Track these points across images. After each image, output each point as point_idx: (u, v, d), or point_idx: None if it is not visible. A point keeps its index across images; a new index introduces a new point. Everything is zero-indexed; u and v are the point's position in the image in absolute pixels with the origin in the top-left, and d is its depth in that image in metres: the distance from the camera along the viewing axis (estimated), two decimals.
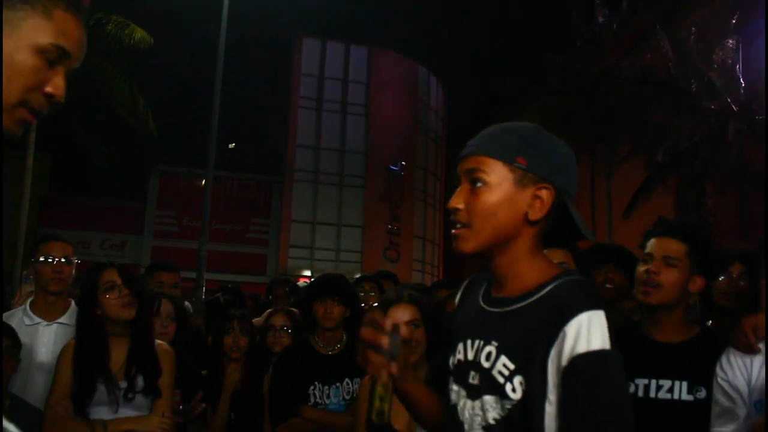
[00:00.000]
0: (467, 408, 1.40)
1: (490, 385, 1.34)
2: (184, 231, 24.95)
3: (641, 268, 2.28)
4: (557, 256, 2.77)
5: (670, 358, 2.20)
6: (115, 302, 2.72)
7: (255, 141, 29.16)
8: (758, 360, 2.02)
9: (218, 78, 13.54)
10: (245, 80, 26.76)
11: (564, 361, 1.23)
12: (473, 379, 1.39)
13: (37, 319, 3.09)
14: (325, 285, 3.39)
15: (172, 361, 2.84)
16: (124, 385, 2.68)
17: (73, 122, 15.76)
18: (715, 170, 16.42)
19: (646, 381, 2.20)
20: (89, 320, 2.75)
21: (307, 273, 25.47)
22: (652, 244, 2.29)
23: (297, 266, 26.50)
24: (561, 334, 1.24)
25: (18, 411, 2.71)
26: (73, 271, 3.20)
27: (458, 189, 1.40)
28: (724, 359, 2.09)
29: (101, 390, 2.64)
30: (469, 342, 1.43)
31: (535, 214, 1.36)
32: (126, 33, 14.54)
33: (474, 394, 1.38)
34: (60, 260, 3.12)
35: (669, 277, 2.21)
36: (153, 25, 15.00)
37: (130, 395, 2.68)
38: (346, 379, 3.21)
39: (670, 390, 2.16)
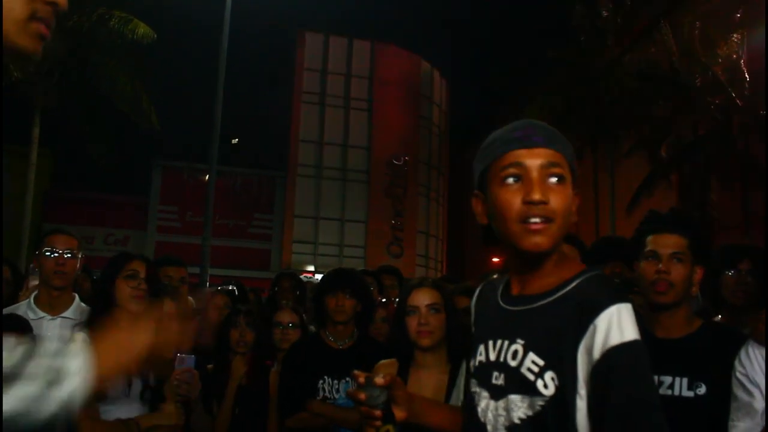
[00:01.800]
0: (490, 409, 1.39)
1: (517, 384, 1.33)
2: (187, 226, 24.98)
3: (649, 268, 2.24)
4: (563, 250, 2.77)
5: (671, 355, 2.19)
6: (129, 291, 2.72)
7: (258, 136, 29.16)
8: None
9: (221, 73, 13.52)
10: (248, 75, 26.76)
11: (597, 354, 1.23)
12: (497, 379, 1.38)
13: (41, 313, 3.06)
14: (337, 278, 3.39)
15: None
16: (137, 380, 2.67)
17: (76, 118, 15.78)
18: (718, 165, 16.39)
19: None
20: (104, 301, 2.76)
21: (311, 268, 25.48)
22: (653, 242, 2.26)
23: (300, 261, 26.50)
24: (591, 328, 1.24)
25: None
26: (78, 265, 3.17)
27: (526, 182, 1.34)
28: (743, 353, 2.07)
29: (117, 383, 2.63)
30: (491, 343, 1.43)
31: (575, 216, 1.39)
32: (129, 28, 14.55)
33: (498, 394, 1.38)
34: (64, 253, 3.08)
35: (678, 273, 2.20)
36: (156, 21, 15.01)
37: (147, 394, 2.69)
38: None
39: (671, 386, 2.16)
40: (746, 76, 16.26)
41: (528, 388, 1.30)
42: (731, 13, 16.52)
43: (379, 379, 1.51)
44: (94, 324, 2.72)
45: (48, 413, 1.01)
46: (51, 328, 3.06)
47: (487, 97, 31.70)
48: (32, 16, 1.05)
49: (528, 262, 1.40)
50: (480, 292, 1.62)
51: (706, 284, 2.93)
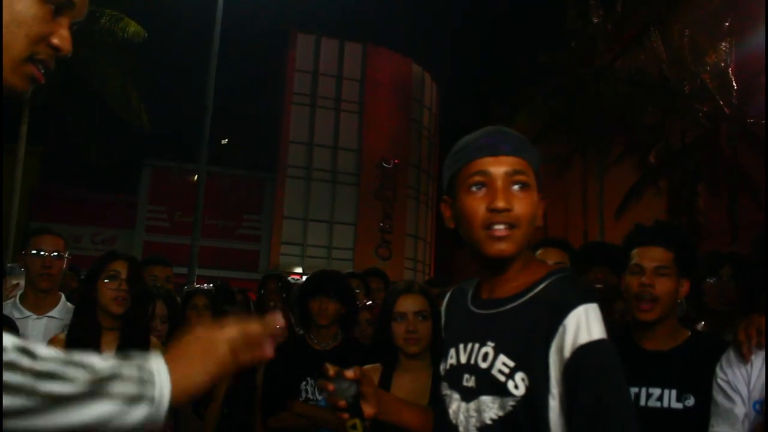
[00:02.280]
0: (462, 410, 1.42)
1: (488, 385, 1.36)
2: (176, 226, 24.89)
3: (633, 281, 2.25)
4: (553, 255, 2.77)
5: (660, 367, 2.20)
6: (110, 293, 2.70)
7: (248, 137, 29.11)
8: (758, 361, 2.03)
9: (212, 73, 13.50)
10: (239, 76, 26.71)
11: (567, 353, 1.26)
12: (468, 381, 1.41)
13: (27, 313, 3.06)
14: (320, 281, 3.40)
15: None
16: None
17: (65, 115, 15.70)
18: (706, 172, 16.52)
19: (636, 389, 2.19)
20: (86, 302, 2.74)
21: (299, 270, 25.45)
22: (638, 255, 2.26)
23: (289, 263, 26.45)
24: (561, 328, 1.27)
25: None
26: (65, 266, 3.16)
27: (491, 189, 1.38)
28: (724, 360, 2.09)
29: None
30: (461, 346, 1.46)
31: (539, 221, 1.42)
32: (120, 27, 14.49)
33: (469, 396, 1.40)
34: (51, 254, 3.08)
35: (662, 288, 2.20)
36: (147, 19, 14.95)
37: None
38: None
39: (660, 398, 2.16)
40: (734, 84, 16.40)
41: (499, 390, 1.33)
42: (720, 21, 16.66)
43: (349, 373, 1.55)
44: (77, 326, 2.71)
45: (128, 427, 1.00)
46: (37, 327, 3.06)
47: (478, 101, 31.78)
48: (31, 57, 1.03)
49: (494, 266, 1.43)
50: (450, 296, 1.66)
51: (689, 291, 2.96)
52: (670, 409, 2.15)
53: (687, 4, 17.70)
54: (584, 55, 19.18)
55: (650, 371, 2.20)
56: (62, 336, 2.71)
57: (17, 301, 3.11)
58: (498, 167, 1.38)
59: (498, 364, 1.35)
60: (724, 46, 16.48)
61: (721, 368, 2.09)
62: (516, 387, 1.31)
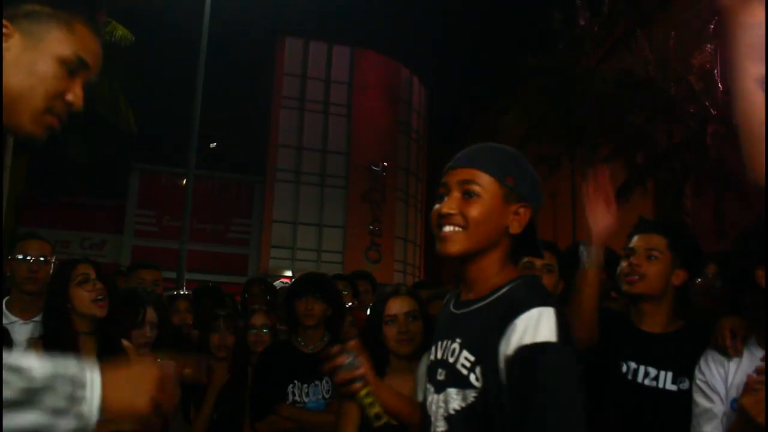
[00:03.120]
0: (434, 402, 1.54)
1: (454, 378, 1.47)
2: (165, 230, 24.79)
3: (623, 262, 2.36)
4: (544, 257, 2.80)
5: (656, 348, 2.26)
6: (87, 296, 2.66)
7: (236, 140, 29.02)
8: (735, 360, 2.08)
9: (200, 76, 13.48)
10: (227, 79, 26.63)
11: (510, 351, 1.34)
12: (440, 375, 1.53)
13: (13, 318, 3.04)
14: (306, 283, 3.41)
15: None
16: None
17: None
18: (693, 172, 16.61)
19: (635, 365, 2.27)
20: (58, 314, 2.67)
21: (288, 273, 25.39)
22: (635, 240, 2.38)
23: (278, 266, 26.41)
24: (511, 327, 1.36)
25: None
26: (51, 270, 3.13)
27: (448, 197, 1.52)
28: (702, 361, 2.14)
29: None
30: (439, 343, 1.59)
31: (515, 229, 1.52)
32: (107, 30, 14.41)
33: (440, 388, 1.52)
34: (37, 259, 3.07)
35: (651, 268, 2.28)
36: (134, 23, 14.88)
37: None
38: (326, 378, 3.20)
39: (656, 378, 2.22)
40: (720, 85, 16.51)
41: (462, 382, 1.44)
42: (706, 23, 16.78)
43: (350, 343, 1.71)
44: (49, 337, 2.67)
45: None
46: (23, 332, 3.03)
47: (466, 103, 31.85)
48: (47, 110, 1.19)
49: (461, 267, 1.56)
50: (446, 300, 1.75)
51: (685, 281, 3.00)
52: (665, 390, 2.21)
53: (673, 6, 17.82)
54: (571, 57, 19.28)
55: (647, 350, 2.27)
56: (39, 342, 2.67)
57: (3, 306, 3.09)
58: (452, 178, 1.54)
59: (461, 359, 1.46)
60: (710, 48, 16.59)
61: (700, 369, 2.14)
62: (477, 380, 1.41)
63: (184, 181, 14.47)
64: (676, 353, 2.23)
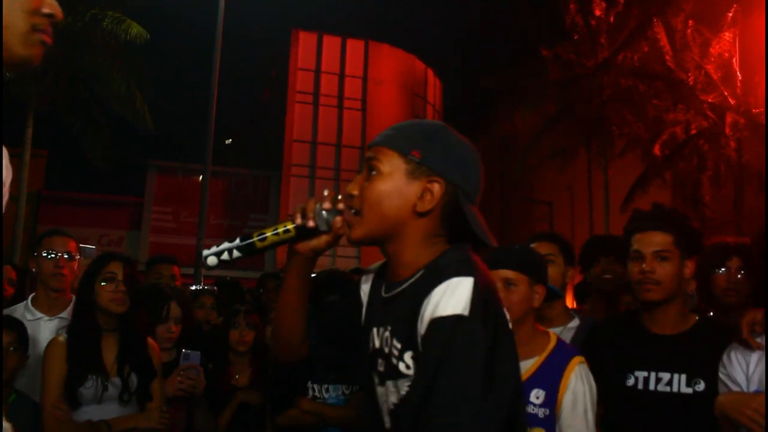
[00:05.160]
0: (380, 395, 1.40)
1: (390, 370, 1.35)
2: (182, 226, 24.92)
3: (634, 268, 2.25)
4: (543, 248, 2.77)
5: (668, 351, 2.20)
6: (108, 294, 2.71)
7: (252, 136, 29.10)
8: (756, 353, 2.06)
9: (215, 73, 13.50)
10: (242, 75, 26.71)
11: (423, 326, 1.23)
12: (380, 366, 1.40)
13: (39, 314, 3.07)
14: (326, 282, 3.39)
15: (159, 356, 2.88)
16: (116, 381, 2.67)
17: (70, 118, 15.74)
18: (711, 163, 16.46)
19: (645, 373, 2.19)
20: (84, 306, 2.75)
21: None
22: (638, 241, 2.27)
23: None
24: (426, 300, 1.25)
25: (22, 408, 2.70)
26: (76, 267, 3.17)
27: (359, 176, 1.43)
28: (725, 355, 2.11)
29: (93, 385, 2.62)
30: (374, 331, 1.45)
31: (423, 206, 1.35)
32: (122, 29, 14.52)
33: (382, 380, 1.39)
34: (62, 255, 3.09)
35: (664, 271, 2.20)
36: (149, 21, 14.99)
37: (125, 396, 2.66)
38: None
39: (669, 383, 2.16)
40: (738, 74, 16.33)
41: (395, 373, 1.32)
42: (723, 11, 16.59)
43: (340, 205, 1.49)
44: (77, 329, 2.72)
45: None
46: (48, 328, 3.07)
47: (481, 96, 31.73)
48: (33, 28, 1.17)
49: (382, 252, 1.43)
50: (372, 279, 1.59)
51: (697, 284, 2.93)
52: (680, 394, 2.14)
53: None
54: (587, 48, 19.13)
55: (659, 355, 2.21)
56: (62, 338, 2.71)
57: (29, 302, 3.12)
58: (365, 157, 1.44)
59: (393, 348, 1.34)
60: (728, 37, 16.41)
61: (722, 363, 2.11)
62: (408, 367, 1.29)
63: (201, 178, 14.55)
64: (689, 355, 2.17)
